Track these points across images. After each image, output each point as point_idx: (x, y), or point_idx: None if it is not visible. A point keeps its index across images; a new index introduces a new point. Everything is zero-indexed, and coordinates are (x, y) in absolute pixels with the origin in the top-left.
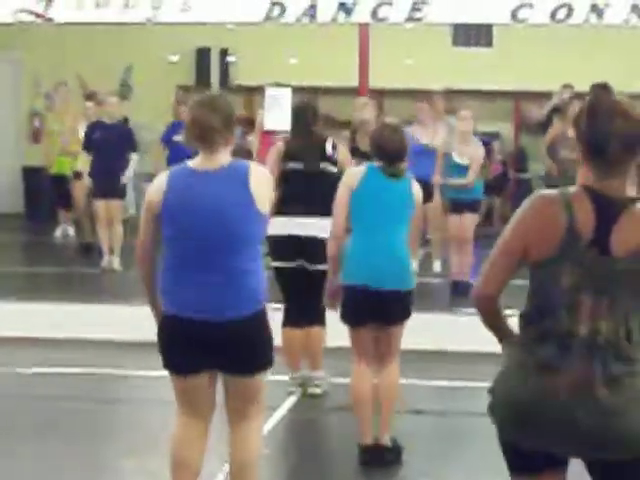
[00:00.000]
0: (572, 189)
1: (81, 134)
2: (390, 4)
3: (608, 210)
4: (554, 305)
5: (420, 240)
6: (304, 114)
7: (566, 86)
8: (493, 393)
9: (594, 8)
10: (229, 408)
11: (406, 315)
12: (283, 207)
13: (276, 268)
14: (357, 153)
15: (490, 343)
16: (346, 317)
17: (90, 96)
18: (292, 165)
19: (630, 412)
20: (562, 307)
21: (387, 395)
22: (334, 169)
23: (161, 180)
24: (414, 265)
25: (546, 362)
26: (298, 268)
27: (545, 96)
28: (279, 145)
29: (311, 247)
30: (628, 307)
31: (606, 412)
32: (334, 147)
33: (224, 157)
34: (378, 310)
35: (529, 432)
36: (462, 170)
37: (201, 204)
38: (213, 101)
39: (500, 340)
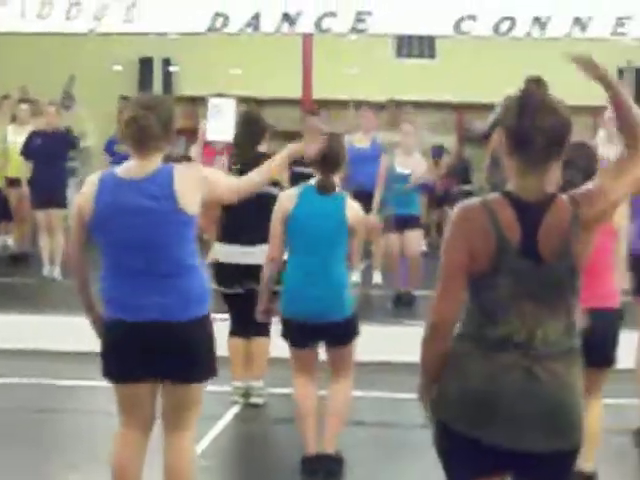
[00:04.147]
0: (492, 196)
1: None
2: (334, 15)
3: (531, 214)
4: (493, 315)
5: (362, 253)
6: (250, 131)
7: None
8: (444, 391)
9: (537, 21)
10: (165, 417)
11: (353, 335)
12: (227, 235)
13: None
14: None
15: None
16: (286, 339)
17: (24, 100)
18: None
19: (572, 402)
20: (502, 315)
21: (337, 410)
22: (276, 191)
23: (90, 187)
24: (355, 277)
25: (484, 353)
26: (242, 292)
27: (488, 108)
28: (223, 163)
29: (256, 273)
30: (568, 307)
31: (554, 405)
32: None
33: (154, 163)
34: (321, 337)
35: (482, 423)
36: (405, 180)
37: (128, 212)
38: (153, 103)
39: (426, 384)
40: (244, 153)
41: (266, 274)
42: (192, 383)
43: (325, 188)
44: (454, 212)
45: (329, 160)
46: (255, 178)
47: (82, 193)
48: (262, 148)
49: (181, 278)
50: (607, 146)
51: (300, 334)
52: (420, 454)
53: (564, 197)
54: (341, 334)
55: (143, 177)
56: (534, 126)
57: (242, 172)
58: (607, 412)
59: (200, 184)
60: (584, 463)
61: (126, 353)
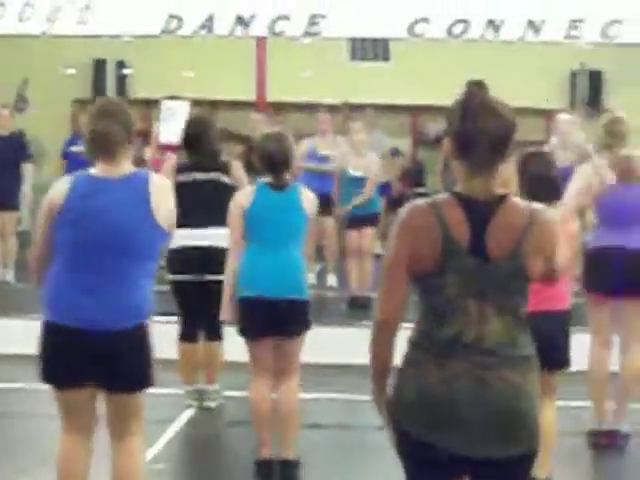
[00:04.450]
0: (441, 197)
1: None
2: (287, 18)
3: (480, 213)
4: (442, 315)
5: (315, 254)
6: (200, 133)
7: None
8: (400, 395)
9: (490, 24)
10: (110, 424)
11: (305, 326)
12: (181, 219)
13: (173, 282)
14: (253, 170)
15: None
16: (244, 331)
17: None
18: (185, 177)
19: (526, 408)
20: (450, 314)
21: (288, 411)
22: (227, 179)
23: (64, 183)
24: (311, 278)
25: (436, 360)
26: (196, 282)
27: (442, 111)
28: (172, 160)
29: (212, 256)
30: (515, 308)
31: (508, 411)
32: (227, 167)
33: (126, 166)
34: (276, 321)
35: (446, 430)
36: (358, 182)
37: (100, 212)
38: (112, 110)
39: (378, 386)
40: (192, 152)
41: (231, 266)
42: (128, 393)
43: (277, 185)
44: (401, 212)
45: (277, 160)
46: None
47: (54, 190)
48: (210, 146)
49: (130, 287)
50: (560, 152)
51: (256, 318)
52: (377, 456)
53: (520, 201)
54: (296, 319)
55: (119, 177)
56: (477, 129)
57: (189, 171)
58: (560, 414)
59: (171, 196)
60: (538, 468)
61: (66, 358)
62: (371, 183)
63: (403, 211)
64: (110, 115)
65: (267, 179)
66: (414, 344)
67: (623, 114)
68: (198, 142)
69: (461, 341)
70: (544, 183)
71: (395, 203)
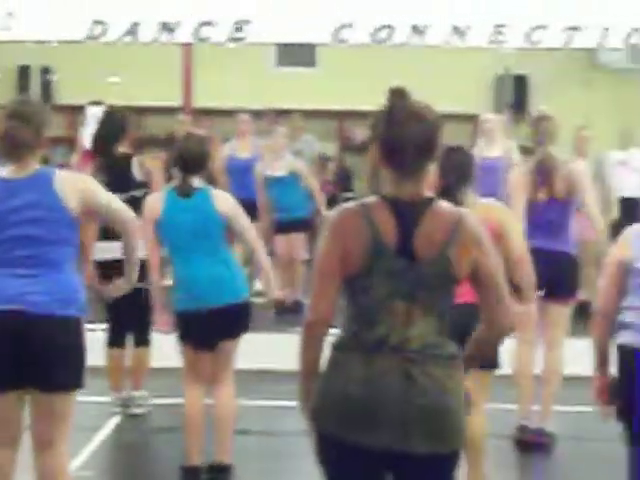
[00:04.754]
0: (370, 199)
1: None
2: (212, 24)
3: (408, 215)
4: (369, 315)
5: (245, 259)
6: (109, 131)
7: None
8: (323, 397)
9: (415, 29)
10: (35, 433)
11: (243, 328)
12: (101, 233)
13: None
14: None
15: None
16: (182, 340)
17: None
18: None
19: (450, 405)
20: (377, 315)
21: (225, 416)
22: (141, 193)
23: None
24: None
25: (362, 358)
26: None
27: (369, 116)
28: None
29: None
30: (442, 309)
31: (433, 409)
32: (141, 165)
33: (33, 165)
34: (214, 329)
35: (368, 430)
36: (280, 183)
37: (13, 210)
38: (23, 112)
39: (305, 389)
40: (103, 153)
41: (153, 278)
42: (56, 391)
43: (183, 192)
44: (331, 215)
45: (187, 161)
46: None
47: None
48: (122, 148)
49: (54, 275)
50: (485, 146)
51: (195, 328)
52: (304, 462)
53: (448, 204)
54: (233, 323)
55: (26, 176)
56: (403, 135)
57: (106, 174)
58: (487, 417)
59: (79, 189)
60: (474, 471)
61: None
62: (311, 179)
63: (333, 213)
64: (21, 117)
65: (175, 184)
66: (339, 346)
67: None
68: (108, 143)
69: (387, 343)
70: (462, 179)
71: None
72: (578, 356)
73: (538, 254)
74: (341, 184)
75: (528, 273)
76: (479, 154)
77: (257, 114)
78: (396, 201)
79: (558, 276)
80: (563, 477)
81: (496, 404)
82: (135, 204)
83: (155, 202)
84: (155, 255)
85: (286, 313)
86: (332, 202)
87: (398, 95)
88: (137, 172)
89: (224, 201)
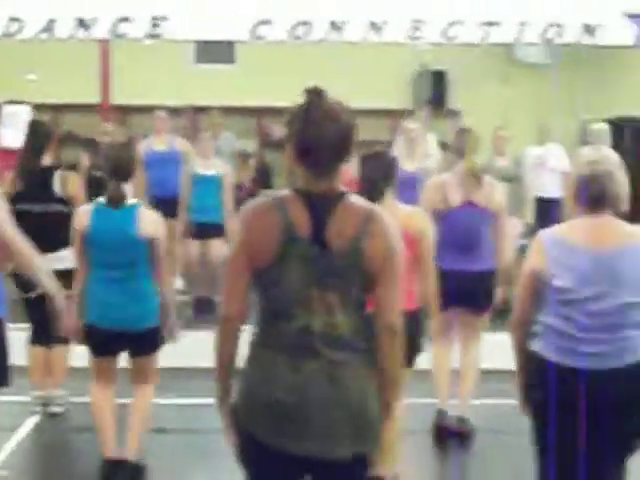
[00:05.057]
0: (283, 192)
1: None
2: (129, 20)
3: (321, 206)
4: (285, 306)
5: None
6: (33, 141)
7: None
8: (248, 400)
9: (333, 25)
10: None
11: (153, 348)
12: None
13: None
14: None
15: None
16: (88, 346)
17: None
18: (20, 207)
19: (371, 402)
20: (294, 306)
21: (139, 416)
22: (64, 208)
23: None
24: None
25: (289, 361)
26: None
27: (286, 113)
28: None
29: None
30: (359, 302)
31: (356, 401)
32: (63, 182)
33: None
34: (124, 347)
35: (291, 435)
36: (208, 182)
37: None
38: None
39: (222, 388)
40: (28, 164)
41: (76, 288)
42: None
43: (114, 201)
44: (244, 209)
45: (117, 169)
46: (27, 255)
47: None
48: (46, 159)
49: None
50: (406, 160)
51: (102, 341)
52: (221, 459)
53: (360, 199)
54: (143, 344)
55: None
56: (318, 136)
57: (26, 184)
58: (404, 412)
59: None
60: (385, 466)
61: None
62: (228, 189)
63: (246, 208)
64: None
65: (105, 196)
66: (258, 342)
67: (470, 127)
68: (33, 154)
69: (310, 333)
70: (385, 183)
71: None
72: (496, 350)
73: (452, 273)
74: (261, 181)
75: (432, 284)
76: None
77: (176, 111)
78: (309, 194)
79: (473, 292)
80: (481, 470)
81: (412, 399)
82: (59, 219)
83: (83, 215)
84: (82, 267)
85: (204, 310)
86: (252, 199)
87: (314, 94)
88: (58, 187)
89: (150, 222)
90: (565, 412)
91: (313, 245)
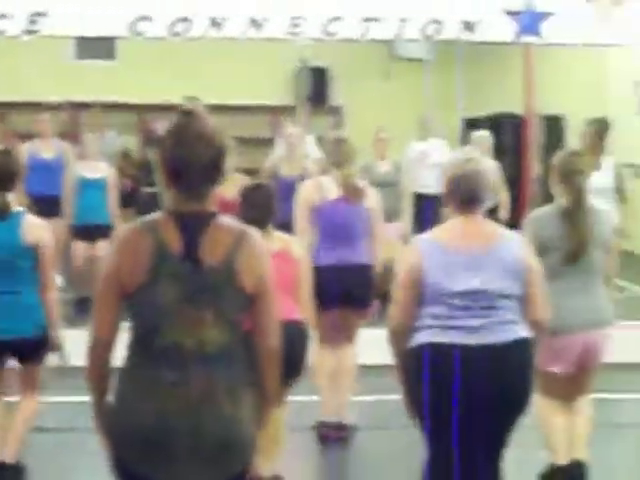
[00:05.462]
0: (156, 215)
1: None
2: (6, 17)
3: (193, 225)
4: (157, 323)
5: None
6: None
7: (191, 98)
8: (116, 426)
9: (213, 22)
10: None
11: (36, 360)
12: None
13: None
14: None
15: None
16: None
17: None
18: None
19: (245, 422)
20: (165, 323)
21: (23, 417)
22: None
23: None
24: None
25: (162, 382)
26: None
27: (169, 109)
28: None
29: None
30: (233, 320)
31: (228, 424)
32: None
33: None
34: (10, 354)
35: (159, 462)
36: (95, 185)
37: None
38: None
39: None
40: None
41: None
42: None
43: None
44: (117, 232)
45: (1, 178)
46: None
47: None
48: None
49: None
50: (286, 164)
51: None
52: (101, 458)
53: (232, 220)
54: (30, 351)
55: None
56: (189, 158)
57: None
58: (288, 410)
59: None
60: (266, 466)
61: None
62: (112, 187)
63: (117, 234)
64: None
65: None
66: (129, 364)
67: (346, 135)
68: None
69: (182, 350)
70: (266, 213)
71: (125, 203)
72: (376, 344)
73: (332, 270)
74: (143, 179)
75: (308, 294)
76: (275, 171)
77: (56, 107)
78: (181, 214)
79: (353, 286)
80: (360, 466)
81: (295, 396)
82: None
83: None
84: None
85: (82, 310)
86: (134, 197)
87: (186, 115)
88: None
89: (36, 229)
90: (441, 392)
91: (184, 262)
